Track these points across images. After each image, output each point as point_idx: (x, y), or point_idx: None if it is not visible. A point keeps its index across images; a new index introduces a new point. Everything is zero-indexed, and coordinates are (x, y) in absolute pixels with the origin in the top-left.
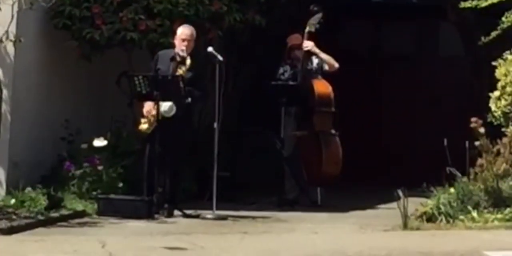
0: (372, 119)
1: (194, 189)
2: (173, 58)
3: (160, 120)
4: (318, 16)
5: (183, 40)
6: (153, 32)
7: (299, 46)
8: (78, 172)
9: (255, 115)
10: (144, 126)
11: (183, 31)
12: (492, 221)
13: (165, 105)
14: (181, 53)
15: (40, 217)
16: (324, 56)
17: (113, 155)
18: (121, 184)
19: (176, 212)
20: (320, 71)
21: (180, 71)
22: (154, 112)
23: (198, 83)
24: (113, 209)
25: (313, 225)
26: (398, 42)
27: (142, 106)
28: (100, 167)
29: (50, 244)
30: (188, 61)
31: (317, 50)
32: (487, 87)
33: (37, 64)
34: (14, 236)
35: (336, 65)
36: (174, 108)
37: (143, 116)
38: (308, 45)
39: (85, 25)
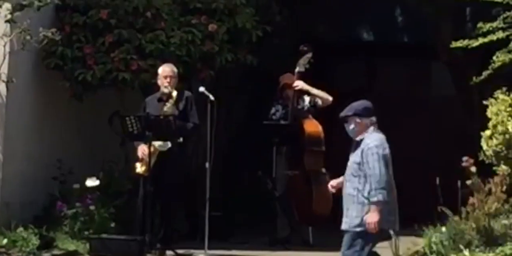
0: None
1: (186, 228)
2: (160, 99)
3: (155, 161)
4: (308, 56)
5: (165, 77)
6: (145, 72)
7: (291, 85)
8: (70, 212)
9: (246, 154)
10: (142, 168)
11: (164, 69)
12: None
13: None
14: (166, 91)
15: None
16: (316, 91)
17: (105, 195)
18: (113, 224)
19: (168, 251)
20: (313, 109)
21: (168, 105)
22: (147, 151)
23: (189, 115)
24: (105, 249)
25: None
26: (390, 81)
27: (135, 147)
28: (92, 207)
29: None
30: (174, 93)
31: (308, 87)
32: (479, 126)
33: (29, 104)
34: None
35: (330, 98)
36: (169, 142)
37: (138, 160)
38: (298, 84)
39: (77, 65)
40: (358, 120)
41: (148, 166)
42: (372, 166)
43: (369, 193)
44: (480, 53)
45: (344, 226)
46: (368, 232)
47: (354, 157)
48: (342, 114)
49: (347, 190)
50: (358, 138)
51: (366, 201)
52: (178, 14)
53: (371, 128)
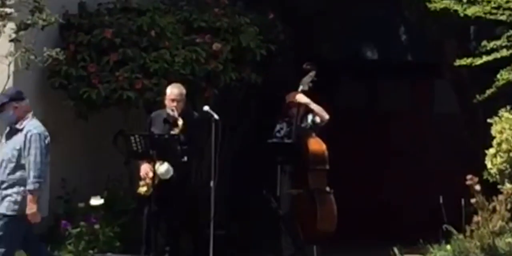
0: (369, 175)
1: (190, 247)
2: (166, 120)
3: (158, 181)
4: (312, 74)
5: (173, 100)
6: (149, 91)
7: (296, 103)
8: (74, 231)
9: (251, 173)
10: (142, 189)
11: (172, 91)
12: None
13: (162, 168)
14: (171, 113)
15: None
16: (315, 106)
17: (110, 213)
18: (118, 243)
19: None
20: (315, 127)
21: (176, 131)
22: (151, 174)
23: (193, 142)
24: None
25: None
26: (394, 100)
27: (139, 166)
28: (96, 226)
29: None
30: (180, 122)
31: (307, 101)
32: (483, 144)
33: None
34: None
35: (327, 116)
36: (171, 171)
37: (140, 179)
38: (299, 97)
39: (81, 85)
40: (16, 104)
41: (152, 186)
42: (34, 153)
43: (25, 181)
44: (485, 71)
45: None
46: (24, 220)
47: (13, 144)
48: None
49: (2, 176)
50: (18, 125)
51: (20, 188)
52: (182, 33)
53: (30, 114)
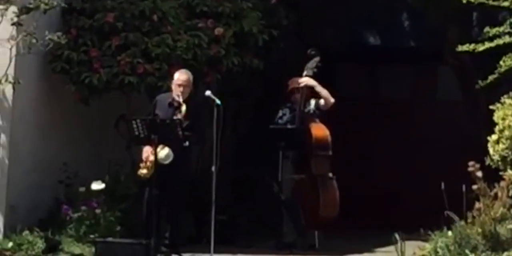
0: (371, 162)
1: (192, 232)
2: (171, 104)
3: (159, 165)
4: (316, 60)
5: (179, 85)
6: (151, 76)
7: (299, 89)
8: (75, 215)
9: (253, 159)
10: (143, 171)
11: (179, 77)
12: None
13: (162, 153)
14: (177, 99)
15: None
16: (321, 89)
17: (111, 198)
18: (118, 228)
19: (174, 255)
20: (318, 112)
21: (178, 116)
22: (152, 157)
23: (195, 128)
24: (111, 253)
25: None
26: (396, 86)
27: (141, 151)
28: (97, 211)
29: None
30: (183, 108)
31: (314, 83)
32: (485, 130)
33: (35, 108)
34: None
35: (332, 100)
36: (172, 156)
37: (142, 161)
38: (304, 80)
39: (83, 69)
40: None
41: (153, 170)
42: None
43: None
44: (487, 57)
45: None
46: None
47: None
48: None
49: None
50: None
51: None
52: (184, 17)
53: None
